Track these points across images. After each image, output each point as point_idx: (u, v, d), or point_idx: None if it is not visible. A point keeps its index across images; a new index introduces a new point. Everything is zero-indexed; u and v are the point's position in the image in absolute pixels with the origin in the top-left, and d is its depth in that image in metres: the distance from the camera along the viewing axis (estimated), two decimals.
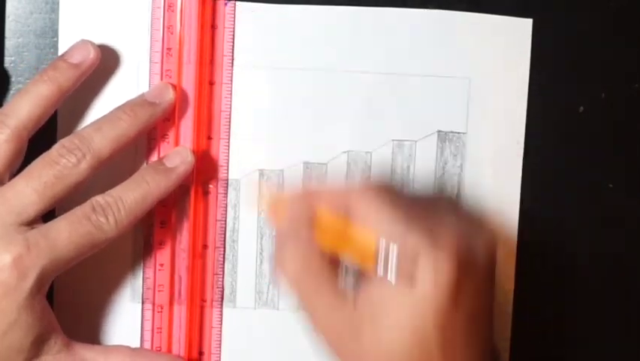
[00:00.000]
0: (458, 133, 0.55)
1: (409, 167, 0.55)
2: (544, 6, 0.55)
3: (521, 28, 0.55)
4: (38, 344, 0.48)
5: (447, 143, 0.55)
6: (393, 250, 0.45)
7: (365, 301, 0.46)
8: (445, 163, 0.55)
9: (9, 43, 0.53)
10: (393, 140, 0.55)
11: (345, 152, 0.55)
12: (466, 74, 0.54)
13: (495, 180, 0.55)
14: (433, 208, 0.48)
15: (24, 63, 0.53)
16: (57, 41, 0.53)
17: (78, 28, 0.53)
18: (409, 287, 0.45)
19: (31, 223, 0.48)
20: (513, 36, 0.55)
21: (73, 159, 0.48)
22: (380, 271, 0.45)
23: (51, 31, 0.53)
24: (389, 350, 0.46)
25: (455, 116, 0.55)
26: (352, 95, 0.54)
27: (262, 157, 0.54)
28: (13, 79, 0.54)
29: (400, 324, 0.45)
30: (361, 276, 0.48)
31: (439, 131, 0.55)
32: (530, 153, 0.55)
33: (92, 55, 0.51)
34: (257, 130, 0.54)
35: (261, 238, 0.55)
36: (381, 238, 0.45)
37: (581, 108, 0.56)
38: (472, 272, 0.45)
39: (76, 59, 0.51)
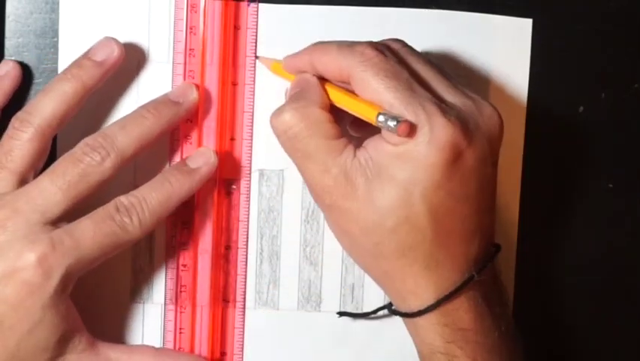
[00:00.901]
0: None
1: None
2: (544, 6, 0.55)
3: (521, 28, 0.55)
4: (63, 342, 0.48)
5: None
6: (394, 116, 0.45)
7: (362, 155, 0.47)
8: None
9: (9, 43, 0.53)
10: None
11: None
12: (466, 74, 0.54)
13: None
14: (434, 81, 0.48)
15: (24, 63, 0.53)
16: (57, 41, 0.53)
17: (78, 28, 0.53)
18: (406, 143, 0.45)
19: (55, 222, 0.48)
20: (513, 36, 0.55)
21: (98, 158, 0.48)
22: (382, 122, 0.45)
23: (51, 31, 0.53)
24: (379, 206, 0.46)
25: None
26: None
27: (262, 157, 0.54)
28: None
29: (392, 179, 0.45)
30: (360, 132, 0.48)
31: None
32: (530, 153, 0.55)
33: (115, 52, 0.51)
34: (257, 130, 0.54)
35: (261, 238, 0.55)
36: (380, 113, 0.45)
37: (581, 108, 0.56)
38: (472, 145, 0.46)
39: (99, 56, 0.51)
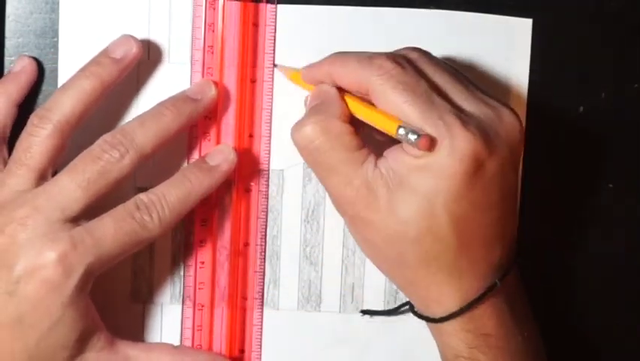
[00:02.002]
0: None
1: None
2: (544, 6, 0.55)
3: (521, 28, 0.55)
4: (82, 340, 0.48)
5: None
6: (414, 130, 0.45)
7: (383, 165, 0.47)
8: None
9: (9, 43, 0.53)
10: None
11: None
12: (466, 74, 0.54)
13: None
14: (453, 90, 0.48)
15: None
16: (57, 41, 0.53)
17: (78, 28, 0.53)
18: (427, 156, 0.45)
19: (75, 220, 0.48)
20: (513, 36, 0.55)
21: (117, 154, 0.48)
22: (402, 135, 0.45)
23: (51, 31, 0.53)
24: (402, 217, 0.46)
25: None
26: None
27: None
28: None
29: (414, 190, 0.46)
30: (381, 143, 0.48)
31: None
32: (530, 154, 0.55)
33: (134, 49, 0.51)
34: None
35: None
36: (400, 126, 0.45)
37: (581, 108, 0.56)
38: (494, 154, 0.46)
39: (118, 53, 0.51)
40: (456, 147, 0.45)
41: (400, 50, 0.50)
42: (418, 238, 0.46)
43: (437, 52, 0.54)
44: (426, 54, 0.50)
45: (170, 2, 0.53)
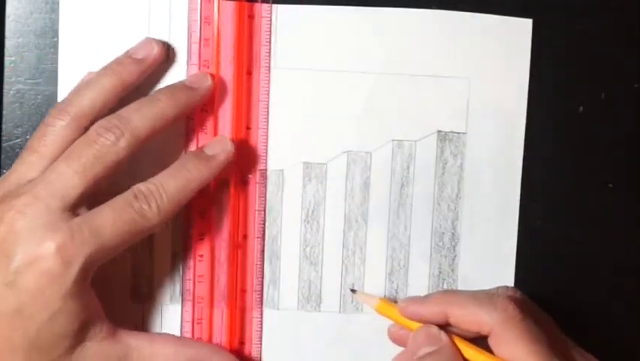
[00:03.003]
0: (458, 133, 0.55)
1: (408, 167, 0.55)
2: (544, 6, 0.55)
3: (521, 28, 0.55)
4: (83, 330, 0.48)
5: (447, 143, 0.55)
6: None
7: None
8: (445, 163, 0.55)
9: (9, 43, 0.53)
10: (393, 140, 0.55)
11: (345, 152, 0.55)
12: (466, 74, 0.54)
13: (495, 180, 0.55)
14: (563, 346, 0.48)
15: (24, 63, 0.53)
16: (57, 41, 0.53)
17: (78, 28, 0.53)
18: None
19: (75, 208, 0.48)
20: (513, 36, 0.55)
21: (112, 137, 0.48)
22: None
23: (51, 31, 0.53)
24: None
25: (455, 116, 0.55)
26: (352, 95, 0.54)
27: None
28: (12, 79, 0.54)
29: None
30: None
31: (439, 132, 0.55)
32: (530, 153, 0.55)
33: (155, 51, 0.52)
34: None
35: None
36: None
37: (581, 108, 0.56)
38: None
39: (140, 54, 0.52)
40: None
41: (500, 289, 0.51)
42: None
43: (437, 52, 0.54)
44: (524, 297, 0.50)
45: (170, 2, 0.53)
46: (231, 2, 0.53)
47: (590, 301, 0.57)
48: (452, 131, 0.55)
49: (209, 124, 0.53)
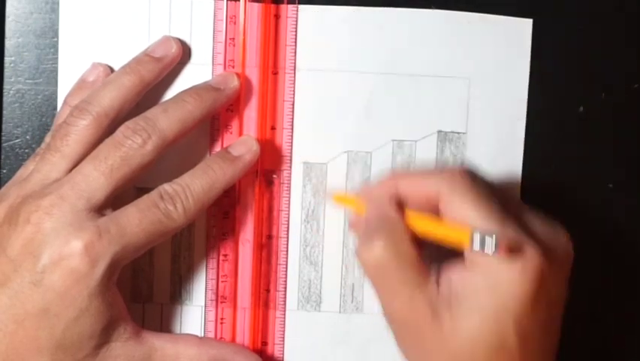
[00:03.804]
0: (458, 133, 0.55)
1: (409, 167, 0.55)
2: (544, 6, 0.55)
3: (521, 28, 0.55)
4: (108, 330, 0.48)
5: (447, 143, 0.55)
6: (490, 240, 0.44)
7: (447, 285, 0.46)
8: (445, 163, 0.55)
9: (9, 43, 0.53)
10: (393, 140, 0.55)
11: (345, 152, 0.55)
12: (466, 74, 0.54)
13: (495, 181, 0.55)
14: (512, 205, 0.48)
15: (24, 63, 0.53)
16: (57, 41, 0.53)
17: (78, 28, 0.53)
18: (495, 274, 0.44)
19: (100, 209, 0.48)
20: (513, 36, 0.55)
21: (139, 140, 0.48)
22: (476, 242, 0.44)
23: (51, 31, 0.53)
24: (468, 337, 0.45)
25: (455, 116, 0.55)
26: (352, 95, 0.54)
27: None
28: (12, 79, 0.54)
29: (481, 309, 0.45)
30: (445, 260, 0.47)
31: (439, 132, 0.55)
32: (530, 153, 0.55)
33: (174, 49, 0.52)
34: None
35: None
36: (476, 230, 0.44)
37: (581, 108, 0.56)
38: (553, 269, 0.45)
39: (158, 53, 0.52)
40: (527, 264, 0.44)
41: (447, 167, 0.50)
42: (489, 356, 0.45)
43: (437, 52, 0.54)
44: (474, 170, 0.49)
45: (170, 2, 0.53)
46: (257, 4, 0.53)
47: (590, 301, 0.57)
48: (452, 131, 0.55)
49: (234, 124, 0.53)
